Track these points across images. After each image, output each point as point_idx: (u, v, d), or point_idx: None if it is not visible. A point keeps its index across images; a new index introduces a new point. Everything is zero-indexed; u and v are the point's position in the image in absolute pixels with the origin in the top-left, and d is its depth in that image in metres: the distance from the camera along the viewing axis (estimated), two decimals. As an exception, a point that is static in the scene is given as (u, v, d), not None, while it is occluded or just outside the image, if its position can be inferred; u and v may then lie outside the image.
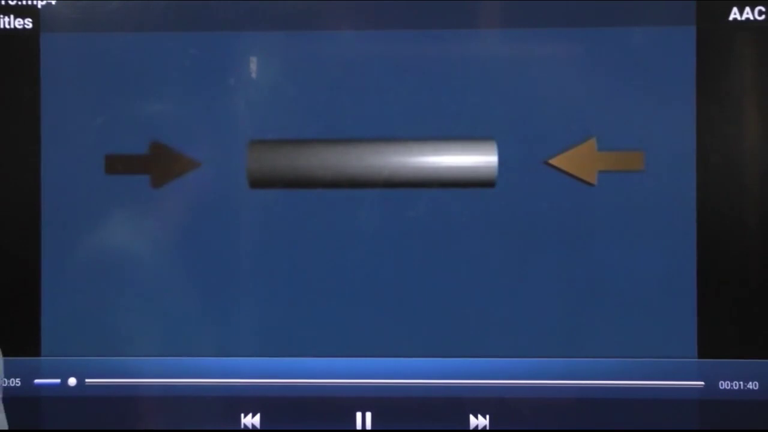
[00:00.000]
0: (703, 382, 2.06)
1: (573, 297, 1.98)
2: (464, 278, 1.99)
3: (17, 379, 1.91)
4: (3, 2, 1.95)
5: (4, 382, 1.08)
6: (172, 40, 2.06)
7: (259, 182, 1.98)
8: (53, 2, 1.77)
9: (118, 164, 2.00)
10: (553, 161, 1.99)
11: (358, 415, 2.08)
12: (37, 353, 1.92)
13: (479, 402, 2.04)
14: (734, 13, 2.07)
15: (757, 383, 2.04)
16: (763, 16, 2.01)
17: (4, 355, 1.01)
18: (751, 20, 2.02)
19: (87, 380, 1.94)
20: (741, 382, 2.05)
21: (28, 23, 1.93)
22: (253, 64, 2.01)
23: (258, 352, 2.02)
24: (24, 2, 1.94)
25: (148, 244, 2.00)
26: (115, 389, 1.94)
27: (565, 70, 2.03)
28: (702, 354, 2.01)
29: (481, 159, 1.97)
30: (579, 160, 2.00)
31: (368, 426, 2.01)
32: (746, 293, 2.07)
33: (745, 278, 2.01)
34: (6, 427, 1.06)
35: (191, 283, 2.03)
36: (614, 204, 2.00)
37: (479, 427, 2.00)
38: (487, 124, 1.97)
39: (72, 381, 1.94)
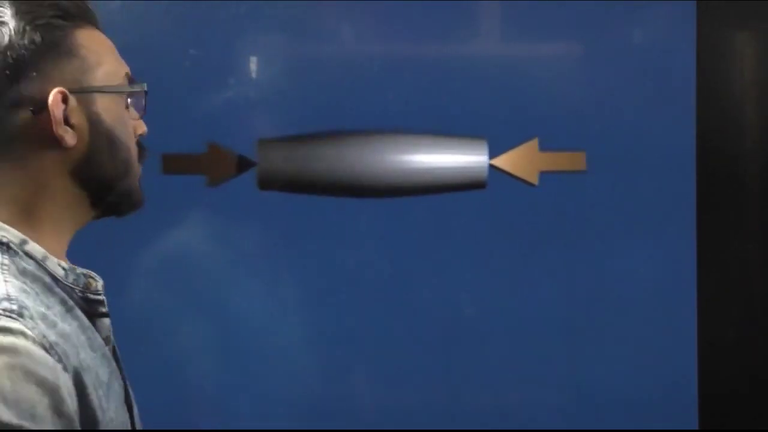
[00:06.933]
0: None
1: (574, 297, 1.99)
2: (463, 278, 1.99)
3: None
4: None
5: None
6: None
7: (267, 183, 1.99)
8: None
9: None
10: (496, 161, 1.98)
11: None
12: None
13: (476, 402, 2.04)
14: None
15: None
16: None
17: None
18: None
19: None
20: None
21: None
22: (252, 64, 2.01)
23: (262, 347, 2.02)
24: None
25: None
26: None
27: (565, 71, 2.03)
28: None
29: (471, 159, 1.97)
30: (520, 160, 1.99)
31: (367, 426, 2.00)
32: (746, 294, 2.06)
33: (745, 278, 2.00)
34: None
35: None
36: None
37: (479, 428, 2.00)
38: (484, 123, 1.97)
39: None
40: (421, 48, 1.99)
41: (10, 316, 0.89)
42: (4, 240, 0.96)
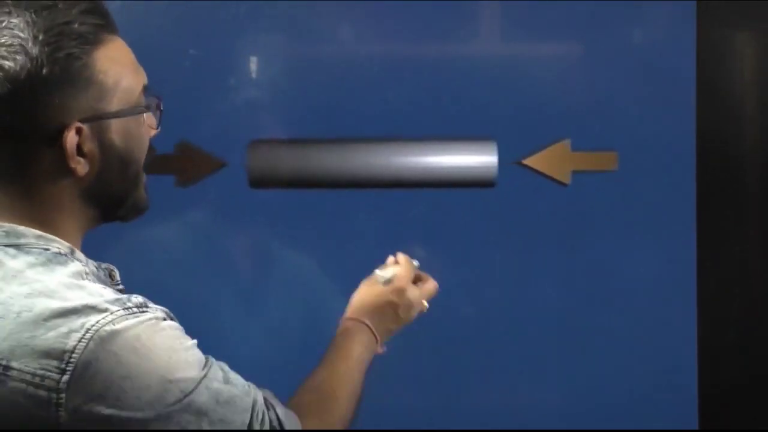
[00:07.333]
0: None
1: (574, 297, 1.99)
2: (464, 278, 1.99)
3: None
4: None
5: None
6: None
7: (259, 182, 1.98)
8: None
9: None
10: (528, 161, 1.98)
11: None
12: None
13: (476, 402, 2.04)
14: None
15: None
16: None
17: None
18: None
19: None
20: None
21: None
22: (253, 64, 2.01)
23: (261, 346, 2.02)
24: None
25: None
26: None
27: (566, 71, 2.03)
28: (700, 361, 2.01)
29: (481, 159, 1.97)
30: (552, 160, 1.99)
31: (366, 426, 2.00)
32: (746, 294, 2.06)
33: (745, 278, 2.00)
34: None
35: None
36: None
37: (479, 428, 2.00)
38: (487, 123, 1.97)
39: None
40: (420, 48, 1.99)
41: (145, 310, 0.96)
42: (63, 251, 0.99)
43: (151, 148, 1.08)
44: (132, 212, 1.08)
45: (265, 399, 1.05)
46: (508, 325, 1.98)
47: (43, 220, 1.00)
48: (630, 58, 1.96)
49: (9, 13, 0.96)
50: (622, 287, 1.97)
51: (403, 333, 2.01)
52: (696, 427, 1.96)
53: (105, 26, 1.01)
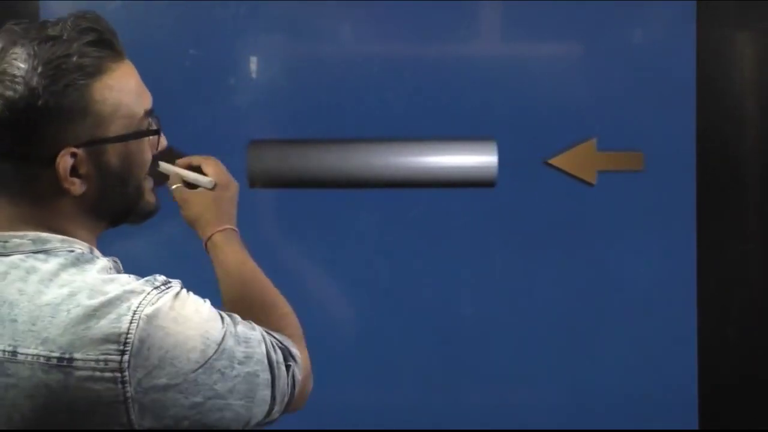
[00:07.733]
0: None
1: (573, 297, 1.99)
2: (464, 278, 1.99)
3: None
4: None
5: None
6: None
7: (258, 182, 1.98)
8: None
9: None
10: (554, 161, 1.99)
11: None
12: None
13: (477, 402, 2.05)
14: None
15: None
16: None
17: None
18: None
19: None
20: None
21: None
22: (253, 64, 2.01)
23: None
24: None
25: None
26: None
27: (567, 71, 2.03)
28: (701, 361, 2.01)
29: (481, 159, 1.97)
30: (578, 160, 1.99)
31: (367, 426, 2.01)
32: (746, 294, 2.06)
33: (745, 278, 2.01)
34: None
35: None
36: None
37: (479, 428, 2.00)
38: (487, 123, 1.97)
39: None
40: (421, 48, 1.99)
41: (170, 285, 1.08)
42: (84, 252, 1.08)
43: (154, 159, 1.15)
44: (140, 217, 1.17)
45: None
46: (509, 325, 1.98)
47: (58, 228, 1.08)
48: (629, 58, 1.96)
49: (14, 43, 1.04)
50: (622, 287, 1.97)
51: (407, 334, 2.02)
52: (696, 427, 1.96)
53: (108, 56, 1.06)
